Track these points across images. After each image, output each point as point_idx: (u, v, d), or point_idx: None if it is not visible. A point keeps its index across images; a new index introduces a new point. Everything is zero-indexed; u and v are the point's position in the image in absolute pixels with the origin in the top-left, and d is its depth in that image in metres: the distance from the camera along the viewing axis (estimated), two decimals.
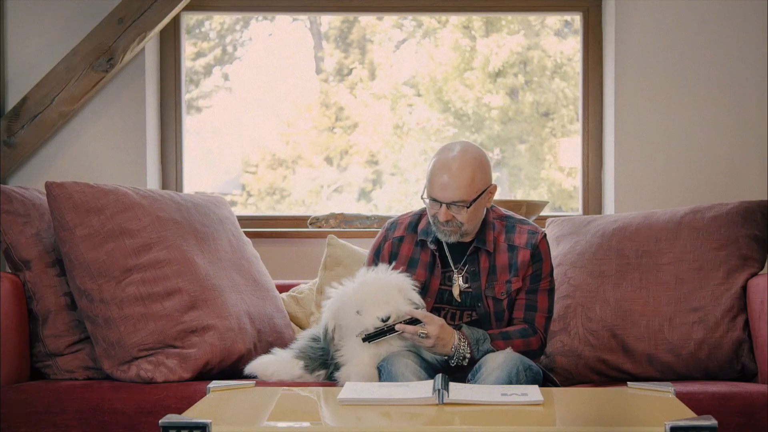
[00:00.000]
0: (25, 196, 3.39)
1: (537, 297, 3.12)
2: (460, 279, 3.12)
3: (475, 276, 3.11)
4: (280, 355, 3.15)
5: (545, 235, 3.15)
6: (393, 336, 2.93)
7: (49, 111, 4.13)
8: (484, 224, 3.13)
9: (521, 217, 3.20)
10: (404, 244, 3.17)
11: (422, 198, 3.08)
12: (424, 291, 3.10)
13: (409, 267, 3.13)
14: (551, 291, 3.15)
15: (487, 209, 3.14)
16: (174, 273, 3.27)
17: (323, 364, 3.06)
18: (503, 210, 3.21)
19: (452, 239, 3.07)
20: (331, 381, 3.03)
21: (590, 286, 3.51)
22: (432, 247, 3.12)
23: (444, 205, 3.01)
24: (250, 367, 3.15)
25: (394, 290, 2.95)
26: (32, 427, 3.06)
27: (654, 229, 3.55)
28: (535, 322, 3.10)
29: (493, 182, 3.09)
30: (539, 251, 3.12)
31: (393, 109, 4.70)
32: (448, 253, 3.13)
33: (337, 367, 2.99)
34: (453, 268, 3.13)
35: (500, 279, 3.10)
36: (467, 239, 3.10)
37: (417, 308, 2.96)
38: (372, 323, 2.92)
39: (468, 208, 3.00)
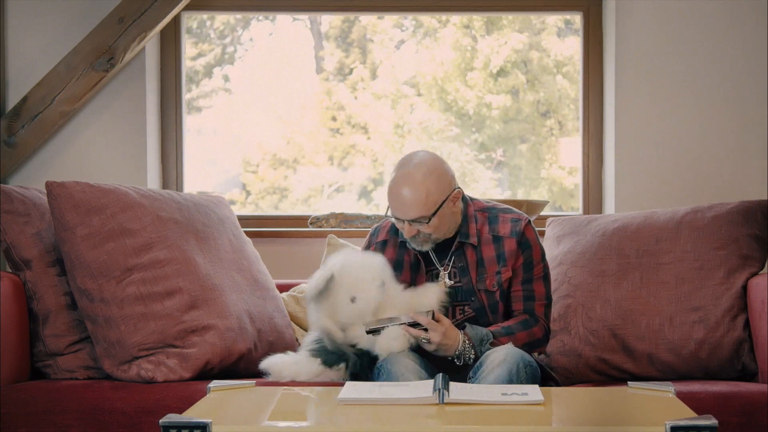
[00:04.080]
0: (25, 196, 3.39)
1: (533, 286, 3.10)
2: (446, 276, 3.11)
3: (464, 271, 3.10)
4: (294, 357, 3.11)
5: (530, 221, 3.11)
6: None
7: (49, 111, 4.13)
8: (466, 218, 3.11)
9: (505, 206, 3.16)
10: (388, 248, 3.16)
11: (386, 215, 3.08)
12: None
13: (395, 270, 3.10)
14: (546, 277, 3.13)
15: (467, 203, 3.13)
16: (174, 272, 3.27)
17: (341, 357, 3.03)
18: (485, 201, 3.19)
19: (425, 248, 3.07)
20: (354, 372, 2.98)
21: (591, 286, 3.50)
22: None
23: (406, 222, 3.01)
24: (266, 363, 3.09)
25: (378, 273, 2.95)
26: (32, 427, 3.05)
27: (654, 228, 3.55)
28: (535, 311, 3.10)
29: (458, 186, 3.05)
30: (526, 238, 3.09)
31: (394, 109, 4.70)
32: (431, 252, 3.12)
33: (359, 357, 2.97)
34: (438, 266, 3.12)
35: (489, 271, 3.09)
36: (445, 238, 3.09)
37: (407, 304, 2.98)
38: (366, 322, 2.93)
39: (428, 222, 3.00)
